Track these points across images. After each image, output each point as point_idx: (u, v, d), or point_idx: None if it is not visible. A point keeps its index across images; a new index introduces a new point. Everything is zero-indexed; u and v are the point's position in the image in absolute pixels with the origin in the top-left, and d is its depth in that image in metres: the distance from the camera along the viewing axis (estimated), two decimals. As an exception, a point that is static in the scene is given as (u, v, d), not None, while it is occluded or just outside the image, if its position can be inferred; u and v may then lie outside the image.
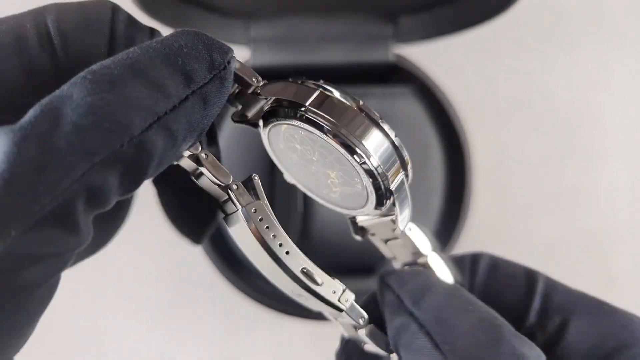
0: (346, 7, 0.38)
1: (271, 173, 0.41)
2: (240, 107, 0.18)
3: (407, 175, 0.18)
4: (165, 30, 0.16)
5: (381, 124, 0.17)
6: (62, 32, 0.15)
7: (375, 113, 0.17)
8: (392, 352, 0.19)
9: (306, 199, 0.39)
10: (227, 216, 0.17)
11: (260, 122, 0.18)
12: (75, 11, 0.15)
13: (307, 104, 0.17)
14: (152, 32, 0.16)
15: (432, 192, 0.40)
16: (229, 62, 0.15)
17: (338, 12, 0.38)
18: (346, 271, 0.39)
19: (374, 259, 0.37)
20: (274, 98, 0.17)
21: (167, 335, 0.45)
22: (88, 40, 0.15)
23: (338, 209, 0.20)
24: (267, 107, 0.17)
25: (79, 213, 0.13)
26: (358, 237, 0.22)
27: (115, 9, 0.16)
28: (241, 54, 0.39)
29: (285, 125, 0.18)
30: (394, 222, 0.19)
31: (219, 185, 0.16)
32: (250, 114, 0.18)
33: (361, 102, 0.17)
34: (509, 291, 0.19)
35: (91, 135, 0.12)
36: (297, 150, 0.19)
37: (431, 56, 0.42)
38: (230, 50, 0.16)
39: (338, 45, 0.38)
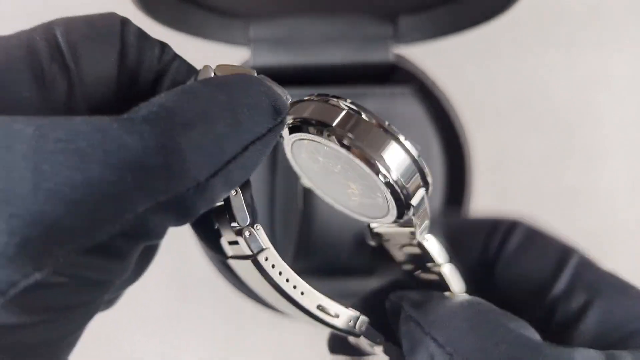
0: (346, 8, 0.38)
1: (272, 172, 0.41)
2: None
3: (427, 190, 0.19)
4: (164, 32, 0.17)
5: (404, 142, 0.18)
6: (71, 43, 0.15)
7: (398, 131, 0.18)
8: None
9: (306, 198, 0.39)
10: (233, 257, 0.18)
11: (285, 133, 0.19)
12: (83, 23, 0.15)
13: (334, 124, 0.17)
14: (163, 45, 0.16)
15: (432, 192, 0.40)
16: (285, 117, 0.16)
17: (338, 12, 0.38)
18: (346, 271, 0.39)
19: (374, 259, 0.37)
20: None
21: (167, 335, 0.45)
22: (98, 51, 0.15)
23: (356, 216, 0.21)
24: (292, 122, 0.18)
25: (130, 244, 0.13)
26: (372, 243, 0.22)
27: (125, 21, 0.16)
28: (241, 54, 0.39)
29: (308, 140, 0.18)
30: (412, 233, 0.20)
31: (234, 226, 0.17)
32: None
33: (386, 123, 0.18)
34: (538, 262, 0.19)
35: (159, 175, 0.13)
36: (319, 162, 0.19)
37: (431, 56, 0.42)
38: (288, 101, 0.16)
39: (338, 46, 0.38)
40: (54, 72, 0.15)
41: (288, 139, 0.19)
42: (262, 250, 0.17)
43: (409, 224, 0.20)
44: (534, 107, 0.47)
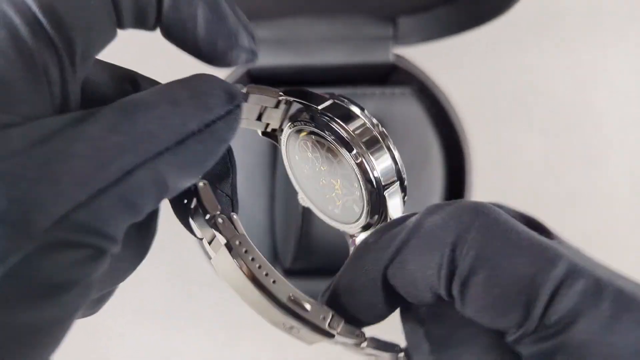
0: (346, 9, 0.38)
1: (272, 174, 0.41)
2: (266, 124, 0.21)
3: (402, 186, 0.20)
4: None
5: (380, 129, 0.19)
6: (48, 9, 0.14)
7: (373, 119, 0.19)
8: (400, 352, 0.19)
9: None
10: (211, 252, 0.18)
11: (285, 126, 0.20)
12: None
13: (320, 107, 0.19)
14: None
15: (431, 192, 0.40)
16: (240, 102, 0.17)
17: (338, 13, 0.38)
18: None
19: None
20: (296, 105, 0.20)
21: (167, 335, 0.45)
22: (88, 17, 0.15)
23: (340, 226, 0.22)
24: (289, 114, 0.20)
25: (118, 216, 0.14)
26: None
27: None
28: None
29: (302, 133, 0.20)
30: None
31: (205, 216, 0.17)
32: (277, 124, 0.21)
33: (363, 110, 0.19)
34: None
35: (137, 143, 0.14)
36: (309, 161, 0.21)
37: (431, 56, 0.42)
38: (241, 92, 0.18)
39: (338, 46, 0.38)
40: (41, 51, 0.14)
41: (284, 137, 0.21)
42: (235, 235, 0.17)
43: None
44: (534, 107, 0.47)
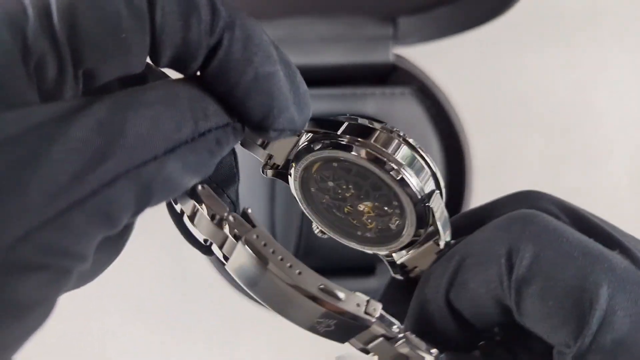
0: (346, 9, 0.38)
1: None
2: (269, 155, 0.19)
3: (441, 194, 0.18)
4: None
5: (408, 139, 0.18)
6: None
7: (399, 131, 0.18)
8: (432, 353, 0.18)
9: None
10: (228, 259, 0.17)
11: (292, 166, 0.18)
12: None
13: (339, 132, 0.18)
14: (213, 8, 0.15)
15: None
16: None
17: (338, 13, 0.38)
18: (346, 271, 0.39)
19: (374, 259, 0.37)
20: (306, 135, 0.18)
21: (167, 335, 0.45)
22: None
23: (375, 251, 0.20)
24: (301, 146, 0.18)
25: (91, 232, 0.13)
26: (399, 276, 0.21)
27: None
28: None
29: (317, 164, 0.18)
30: (437, 243, 0.19)
31: (214, 218, 0.16)
32: (281, 160, 0.19)
33: (386, 123, 0.18)
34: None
35: (123, 148, 0.13)
36: (329, 191, 0.19)
37: (431, 57, 0.42)
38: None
39: (338, 46, 0.38)
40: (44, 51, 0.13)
41: (295, 174, 0.19)
42: (250, 230, 0.16)
43: (430, 237, 0.19)
44: (534, 107, 0.47)
